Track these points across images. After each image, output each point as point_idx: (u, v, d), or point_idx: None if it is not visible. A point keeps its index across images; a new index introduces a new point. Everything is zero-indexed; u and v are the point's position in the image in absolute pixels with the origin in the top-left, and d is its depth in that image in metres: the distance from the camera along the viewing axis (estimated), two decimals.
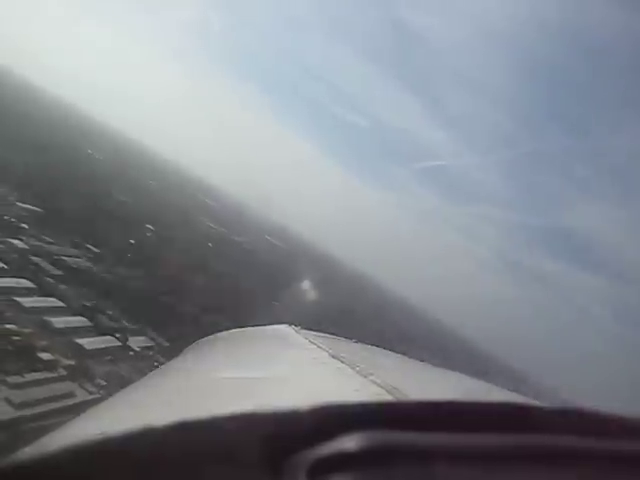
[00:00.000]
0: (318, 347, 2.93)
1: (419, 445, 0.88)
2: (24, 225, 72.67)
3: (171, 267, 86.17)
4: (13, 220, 70.87)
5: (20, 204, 78.78)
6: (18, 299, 55.67)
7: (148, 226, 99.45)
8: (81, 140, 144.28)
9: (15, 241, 66.26)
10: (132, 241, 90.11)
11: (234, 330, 5.09)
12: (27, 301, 56.20)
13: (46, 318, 55.59)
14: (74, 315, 60.12)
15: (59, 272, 66.79)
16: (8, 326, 50.58)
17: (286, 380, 2.28)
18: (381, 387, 1.96)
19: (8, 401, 42.89)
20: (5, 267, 59.79)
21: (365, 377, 2.16)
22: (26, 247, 66.88)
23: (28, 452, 1.33)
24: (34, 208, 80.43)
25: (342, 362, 2.49)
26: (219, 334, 5.09)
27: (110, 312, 64.94)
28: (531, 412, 1.04)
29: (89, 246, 79.85)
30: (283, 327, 4.01)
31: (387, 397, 1.84)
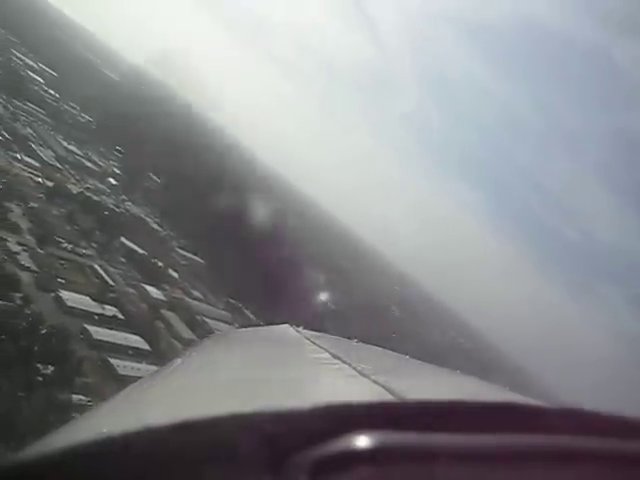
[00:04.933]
0: (319, 347, 2.95)
1: (420, 445, 0.91)
2: (173, 273, 61.77)
3: None
4: (160, 265, 60.33)
5: (180, 250, 69.37)
6: (113, 361, 41.72)
7: (321, 295, 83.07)
8: (279, 206, 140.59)
9: (151, 288, 54.69)
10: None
11: (235, 330, 5.48)
12: (125, 366, 41.80)
13: None
14: None
15: (192, 336, 52.52)
16: (75, 397, 36.08)
17: (286, 380, 2.36)
18: (382, 387, 1.98)
19: None
20: (120, 317, 47.33)
21: (366, 377, 2.18)
22: (162, 298, 54.76)
23: (29, 452, 1.39)
24: (195, 257, 70.50)
25: (343, 362, 2.49)
26: (220, 334, 5.64)
27: None
28: (532, 412, 1.11)
29: (247, 312, 65.59)
30: (284, 327, 3.83)
31: (388, 397, 1.85)
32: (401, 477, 0.89)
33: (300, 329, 3.69)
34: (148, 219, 71.51)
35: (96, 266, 52.19)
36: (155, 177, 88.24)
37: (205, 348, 4.06)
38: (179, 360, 3.65)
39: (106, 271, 52.47)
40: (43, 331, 38.78)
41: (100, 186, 69.47)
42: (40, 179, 58.31)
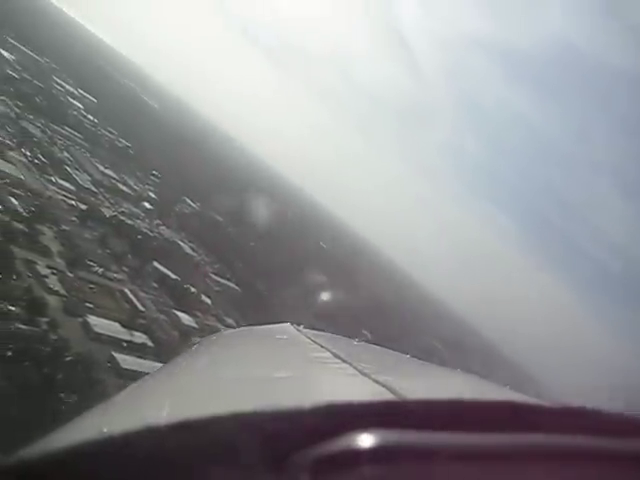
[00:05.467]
0: (320, 346, 2.94)
1: (421, 444, 0.92)
2: (206, 299, 60.04)
3: None
4: (193, 291, 58.72)
5: (214, 276, 67.82)
6: None
7: (365, 332, 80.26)
8: (317, 232, 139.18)
9: (183, 315, 52.96)
10: None
11: (236, 329, 5.38)
12: None
13: None
14: None
15: None
16: None
17: (288, 379, 2.34)
18: (383, 386, 2.00)
19: None
20: (150, 345, 45.56)
21: (367, 376, 2.20)
22: (194, 325, 52.90)
23: (30, 451, 1.43)
24: (230, 284, 68.79)
25: (344, 361, 2.51)
26: (221, 333, 5.43)
27: None
28: (534, 411, 1.13)
29: None
30: (285, 326, 3.80)
31: (389, 396, 1.86)
32: (402, 476, 0.89)
33: (301, 328, 3.62)
34: (182, 244, 70.42)
35: (127, 291, 50.85)
36: (191, 202, 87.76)
37: (206, 347, 4.02)
38: (180, 359, 3.62)
39: (137, 296, 51.06)
40: (68, 358, 37.21)
41: (135, 210, 68.91)
42: (74, 202, 57.89)
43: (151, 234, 66.01)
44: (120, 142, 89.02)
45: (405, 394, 1.80)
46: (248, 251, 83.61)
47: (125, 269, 54.61)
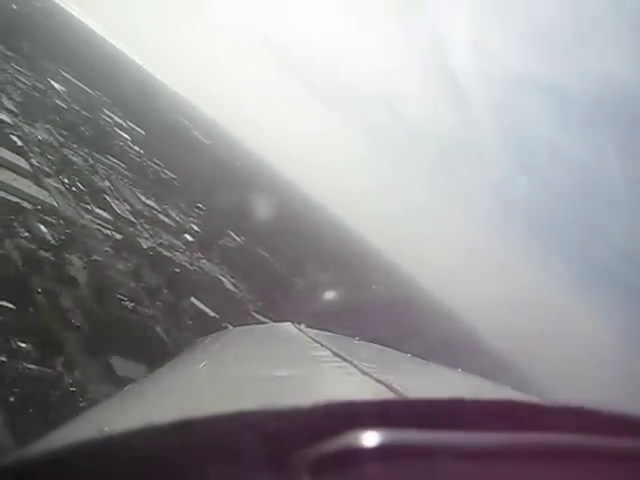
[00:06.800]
0: (321, 345, 2.98)
1: (422, 443, 0.93)
2: None
3: None
4: (232, 330, 53.80)
5: (256, 314, 63.04)
6: None
7: None
8: (369, 274, 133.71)
9: None
10: None
11: (237, 328, 5.54)
12: None
13: None
14: None
15: None
16: None
17: (288, 378, 2.37)
18: (384, 385, 2.02)
19: None
20: None
21: (367, 375, 2.23)
22: None
23: (30, 450, 1.44)
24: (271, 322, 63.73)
25: (344, 360, 2.54)
26: (222, 332, 5.34)
27: None
28: (534, 410, 1.15)
29: None
30: (286, 325, 3.95)
31: (390, 395, 1.89)
32: (403, 475, 0.90)
33: (302, 327, 3.58)
34: (223, 279, 66.26)
35: (158, 329, 46.51)
36: (236, 235, 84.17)
37: (207, 346, 3.91)
38: (181, 358, 3.55)
39: (169, 335, 46.60)
40: (82, 404, 32.68)
41: (175, 242, 65.52)
42: (109, 232, 54.76)
43: (190, 267, 62.18)
44: (165, 174, 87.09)
45: (406, 393, 1.78)
46: (293, 288, 78.88)
47: (158, 304, 50.46)
